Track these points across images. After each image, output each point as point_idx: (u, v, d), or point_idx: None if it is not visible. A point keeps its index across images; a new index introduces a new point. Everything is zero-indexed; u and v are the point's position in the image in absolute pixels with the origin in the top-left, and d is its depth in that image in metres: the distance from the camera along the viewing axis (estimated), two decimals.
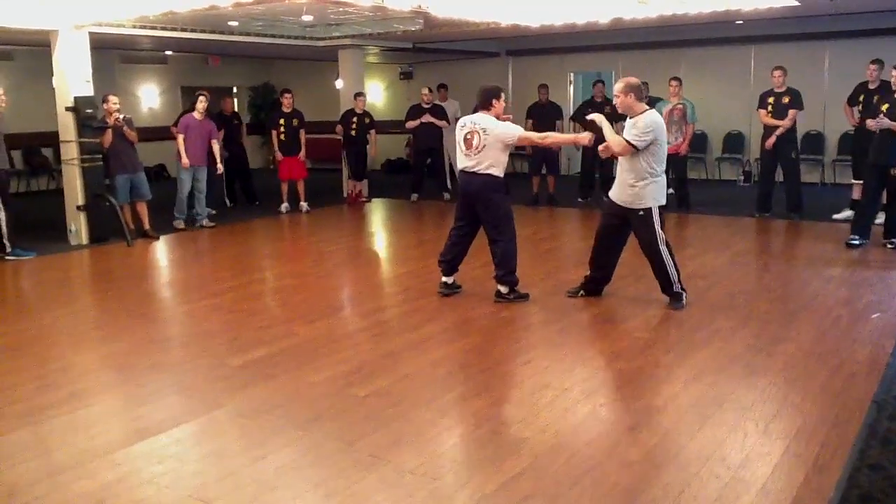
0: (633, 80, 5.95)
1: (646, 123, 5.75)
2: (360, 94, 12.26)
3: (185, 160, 10.07)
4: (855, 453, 3.53)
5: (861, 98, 9.42)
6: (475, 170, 6.13)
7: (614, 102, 6.08)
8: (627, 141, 5.74)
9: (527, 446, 3.71)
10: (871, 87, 9.16)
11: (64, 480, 3.48)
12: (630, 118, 5.86)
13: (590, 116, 6.17)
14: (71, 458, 3.69)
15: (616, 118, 7.06)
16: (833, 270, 7.23)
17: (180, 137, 10.10)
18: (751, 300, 6.32)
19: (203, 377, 4.82)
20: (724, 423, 3.93)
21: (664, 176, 5.96)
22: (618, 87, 5.92)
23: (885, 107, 7.84)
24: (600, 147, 6.13)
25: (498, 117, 6.17)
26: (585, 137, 6.29)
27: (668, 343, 5.33)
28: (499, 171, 6.13)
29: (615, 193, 6.04)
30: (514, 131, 6.14)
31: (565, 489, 3.30)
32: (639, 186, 5.84)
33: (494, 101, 6.15)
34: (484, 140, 6.06)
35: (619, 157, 5.97)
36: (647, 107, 5.92)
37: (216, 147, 10.38)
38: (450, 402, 4.38)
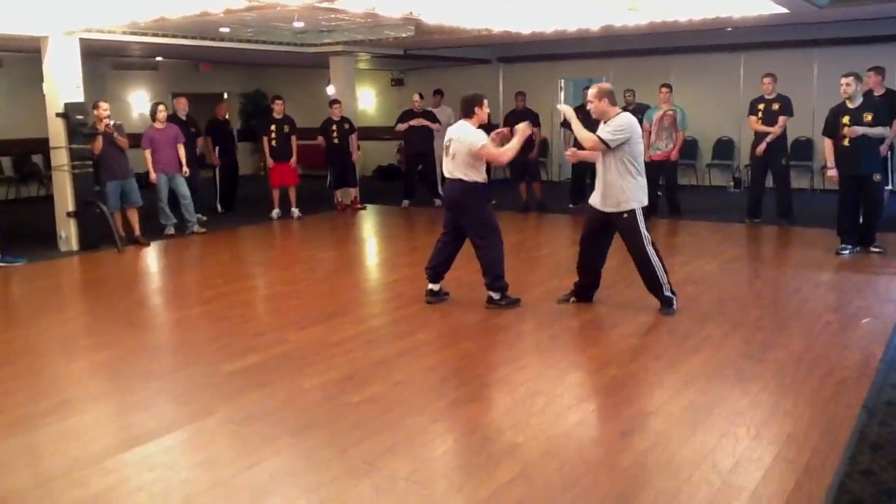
0: (605, 85, 6.03)
1: (618, 123, 5.82)
2: (335, 102, 12.21)
3: (153, 176, 10.09)
4: (846, 459, 3.55)
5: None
6: (452, 176, 6.21)
7: (588, 108, 6.10)
8: (599, 137, 5.77)
9: (519, 452, 3.72)
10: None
11: (56, 489, 3.47)
12: (606, 122, 5.91)
13: (559, 106, 6.21)
14: (62, 467, 3.68)
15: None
16: (823, 276, 7.27)
17: (147, 152, 10.09)
18: (741, 306, 6.35)
19: (195, 384, 4.82)
20: (715, 428, 3.95)
21: (644, 177, 6.00)
22: (591, 92, 5.96)
23: (846, 119, 7.87)
24: (567, 153, 6.28)
25: (482, 124, 6.21)
26: (525, 131, 6.19)
27: (660, 349, 5.34)
28: (475, 177, 6.16)
29: (596, 199, 6.06)
30: (478, 141, 6.09)
31: (557, 495, 3.31)
32: (621, 189, 5.87)
33: (476, 109, 6.17)
34: (455, 147, 6.13)
35: (599, 163, 5.98)
36: (620, 110, 5.97)
37: (182, 152, 10.35)
38: (442, 408, 4.38)
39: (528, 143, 6.54)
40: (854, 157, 7.88)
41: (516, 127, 6.26)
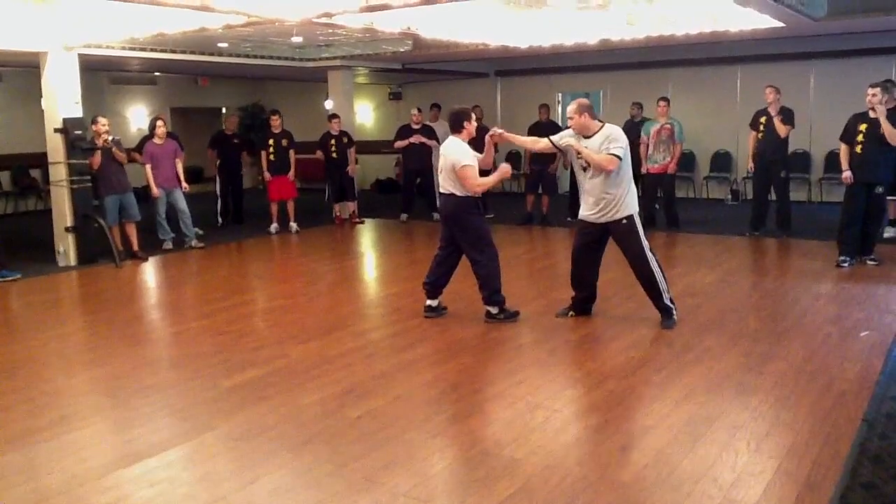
0: (584, 100, 6.07)
1: (616, 135, 5.87)
2: (334, 116, 12.25)
3: (155, 191, 10.11)
4: (846, 472, 3.54)
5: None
6: (445, 191, 6.23)
7: (569, 124, 6.09)
8: (614, 155, 5.80)
9: (519, 467, 3.71)
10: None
11: None
12: (587, 136, 5.93)
13: (569, 142, 6.12)
14: (61, 483, 3.67)
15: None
16: (822, 288, 7.28)
17: (148, 168, 10.12)
18: (741, 318, 6.35)
19: (194, 399, 4.80)
20: (715, 442, 3.94)
21: (633, 184, 6.06)
22: (571, 108, 5.99)
23: (863, 126, 7.89)
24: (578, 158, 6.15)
25: (471, 138, 6.23)
26: (505, 172, 6.20)
27: (659, 362, 5.34)
28: (465, 192, 6.15)
29: (588, 212, 6.07)
30: (461, 160, 6.04)
31: None
32: (619, 196, 5.90)
33: (465, 124, 6.19)
34: (443, 162, 6.19)
35: (588, 177, 5.99)
36: (601, 123, 5.98)
37: (180, 167, 10.37)
38: (442, 422, 4.38)
39: (550, 156, 6.55)
40: (866, 165, 7.93)
41: (501, 166, 6.23)
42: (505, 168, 6.23)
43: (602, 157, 5.82)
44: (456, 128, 6.22)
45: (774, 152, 9.69)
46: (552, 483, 3.54)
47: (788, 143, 9.88)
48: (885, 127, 7.65)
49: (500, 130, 6.37)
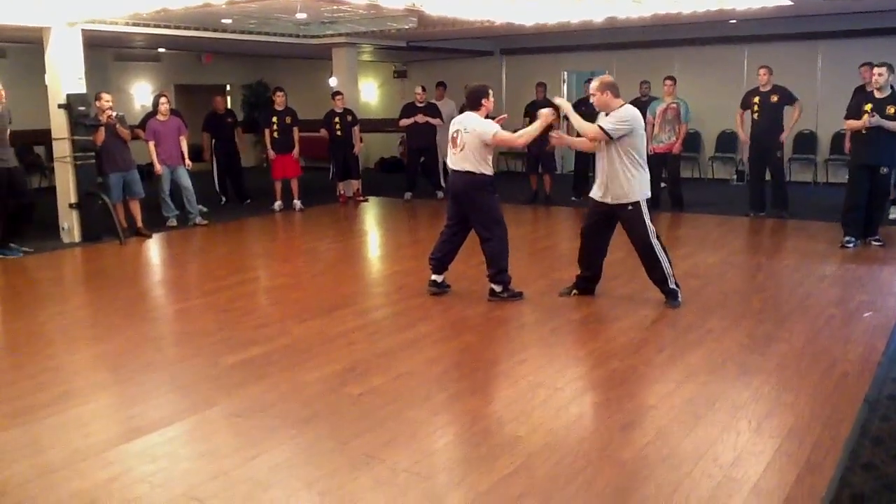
0: (607, 77, 6.03)
1: (622, 114, 5.80)
2: (337, 94, 12.19)
3: (157, 168, 10.12)
4: (847, 453, 3.54)
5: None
6: (459, 168, 6.18)
7: (591, 101, 6.10)
8: (601, 127, 5.75)
9: (520, 445, 3.72)
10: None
11: (56, 480, 3.47)
12: (608, 115, 5.89)
13: (556, 100, 6.23)
14: (63, 458, 3.68)
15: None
16: (825, 269, 7.26)
17: (151, 144, 10.11)
18: (744, 299, 6.34)
19: (196, 376, 4.82)
20: (716, 422, 3.95)
21: (647, 170, 5.99)
22: (593, 85, 5.98)
23: (868, 106, 7.84)
24: (552, 134, 6.23)
25: (489, 116, 6.20)
26: (547, 117, 6.17)
27: (661, 342, 5.34)
28: (483, 169, 6.13)
29: (599, 192, 6.04)
30: (490, 129, 6.08)
31: (558, 488, 3.31)
32: (624, 181, 5.86)
33: (483, 101, 6.16)
34: (465, 138, 6.10)
35: (600, 155, 5.97)
36: (623, 102, 5.95)
37: (184, 144, 10.36)
38: (444, 400, 4.38)
39: (544, 135, 6.60)
40: (868, 147, 7.89)
41: (539, 112, 6.25)
42: (546, 112, 6.16)
43: (586, 125, 5.81)
44: (474, 105, 6.18)
45: (769, 133, 9.64)
46: (553, 461, 3.55)
47: (783, 122, 9.80)
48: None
49: (556, 133, 6.40)
